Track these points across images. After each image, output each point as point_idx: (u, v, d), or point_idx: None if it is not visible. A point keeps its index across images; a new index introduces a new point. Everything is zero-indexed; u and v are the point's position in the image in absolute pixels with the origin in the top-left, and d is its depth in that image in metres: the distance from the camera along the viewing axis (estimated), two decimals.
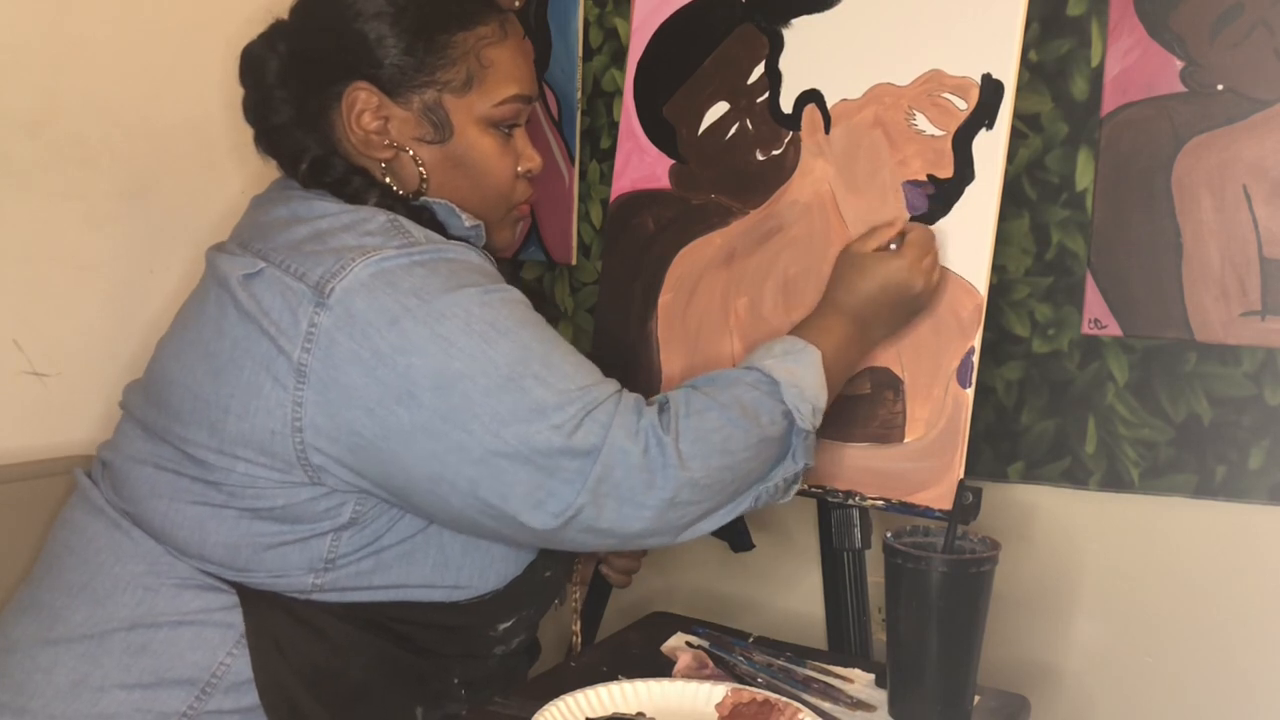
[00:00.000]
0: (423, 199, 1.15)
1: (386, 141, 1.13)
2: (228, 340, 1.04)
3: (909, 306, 1.18)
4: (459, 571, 1.12)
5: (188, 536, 1.06)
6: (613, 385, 1.06)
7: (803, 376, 1.10)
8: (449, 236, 1.12)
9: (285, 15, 1.17)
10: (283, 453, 1.03)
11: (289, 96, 1.14)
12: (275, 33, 1.16)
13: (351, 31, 1.11)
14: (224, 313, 1.05)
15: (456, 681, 1.15)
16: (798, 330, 1.16)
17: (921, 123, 1.22)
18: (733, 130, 1.33)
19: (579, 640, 1.35)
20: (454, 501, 1.02)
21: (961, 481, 1.17)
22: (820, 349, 1.12)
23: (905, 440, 1.22)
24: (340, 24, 1.12)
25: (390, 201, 1.11)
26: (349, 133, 1.13)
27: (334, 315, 1.00)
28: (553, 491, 1.00)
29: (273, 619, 1.06)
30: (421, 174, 1.14)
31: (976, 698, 1.11)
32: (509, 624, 1.17)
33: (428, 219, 1.12)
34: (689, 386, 1.10)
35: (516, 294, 1.07)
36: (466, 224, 1.15)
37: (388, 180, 1.14)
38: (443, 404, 0.99)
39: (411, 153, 1.14)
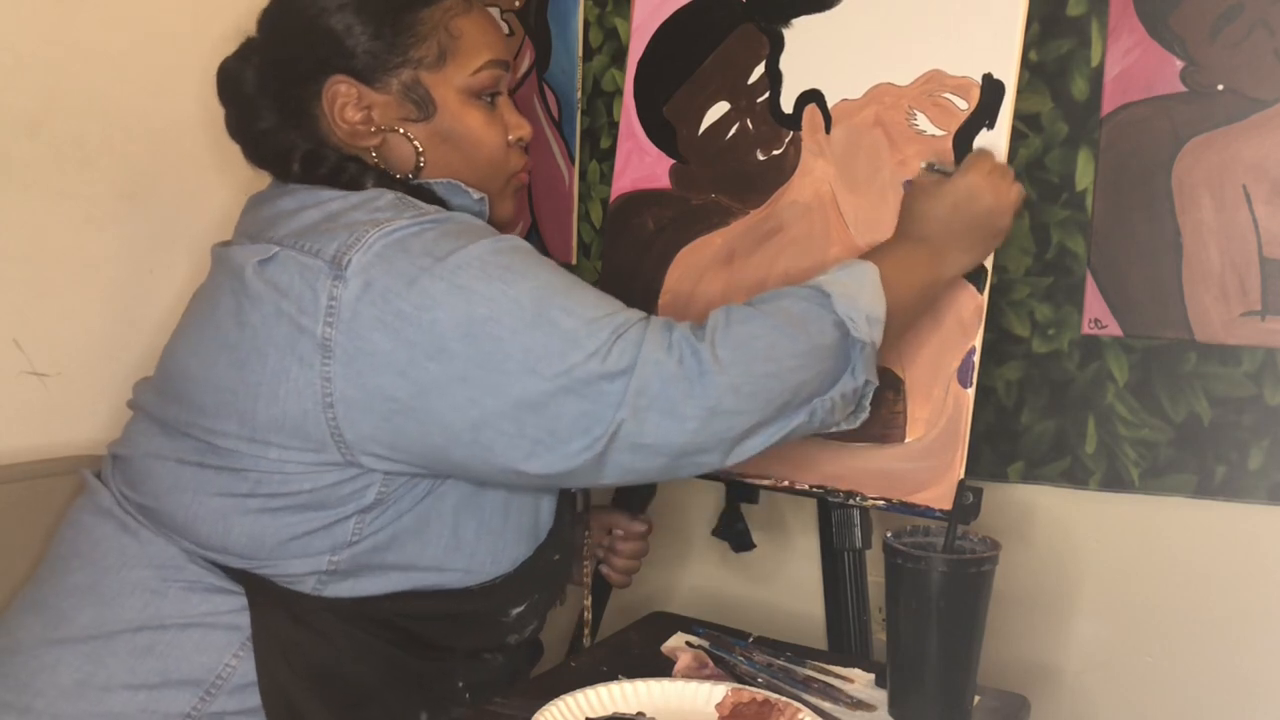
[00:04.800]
0: (420, 180, 1.15)
1: (372, 129, 1.13)
2: (248, 329, 1.04)
3: (984, 225, 1.15)
4: (471, 556, 1.12)
5: (210, 530, 1.06)
6: (638, 312, 1.06)
7: (856, 289, 1.07)
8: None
9: (254, 31, 1.17)
10: (316, 433, 1.02)
11: (271, 103, 1.14)
12: (247, 48, 1.16)
13: (319, 28, 1.12)
14: (240, 303, 1.05)
15: (460, 685, 1.15)
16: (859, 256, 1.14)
17: (922, 123, 1.22)
18: (733, 130, 1.33)
19: (589, 620, 1.34)
20: (498, 447, 1.01)
21: (962, 481, 1.17)
22: (879, 266, 1.09)
23: (906, 440, 1.22)
24: (307, 23, 1.12)
25: (388, 184, 1.12)
26: (335, 127, 1.13)
27: (352, 287, 1.01)
28: (596, 416, 1.00)
29: (278, 622, 1.06)
30: (417, 148, 1.14)
31: (976, 698, 1.11)
32: (522, 608, 1.17)
33: (428, 198, 1.12)
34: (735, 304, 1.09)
35: (526, 243, 1.08)
36: (474, 196, 1.16)
37: (381, 166, 1.14)
38: (474, 350, 0.99)
39: (403, 131, 1.14)
